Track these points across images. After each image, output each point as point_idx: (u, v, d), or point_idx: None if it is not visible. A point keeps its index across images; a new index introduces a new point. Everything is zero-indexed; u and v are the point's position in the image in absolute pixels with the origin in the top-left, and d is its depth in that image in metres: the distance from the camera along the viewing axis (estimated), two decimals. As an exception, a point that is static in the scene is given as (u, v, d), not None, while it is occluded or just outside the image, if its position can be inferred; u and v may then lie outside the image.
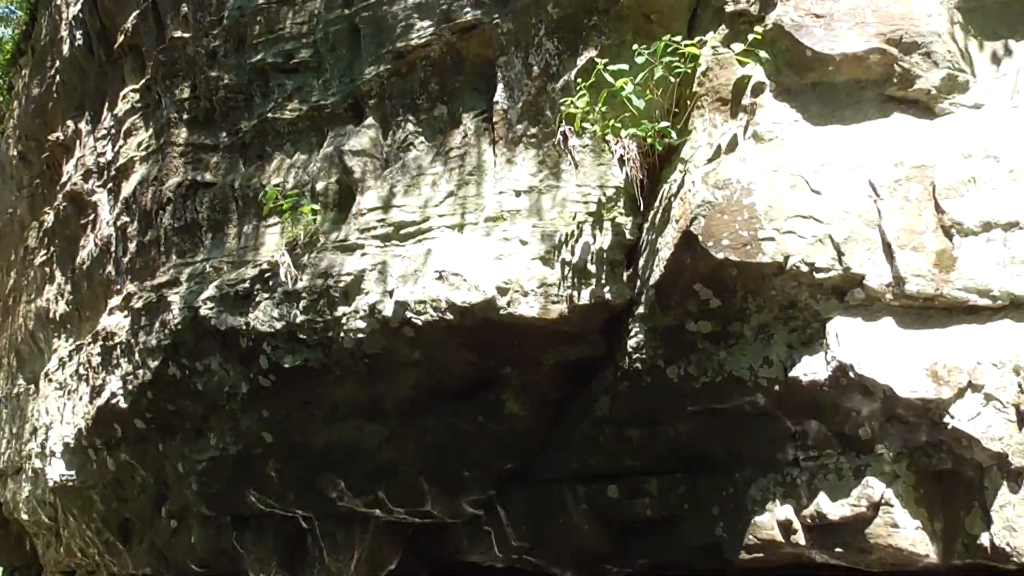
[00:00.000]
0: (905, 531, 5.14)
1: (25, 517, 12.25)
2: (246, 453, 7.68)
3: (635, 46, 5.77)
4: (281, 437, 7.44)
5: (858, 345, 5.22)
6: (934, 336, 5.16)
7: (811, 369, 5.38)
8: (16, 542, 14.51)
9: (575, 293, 6.10)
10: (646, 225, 6.04)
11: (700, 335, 5.76)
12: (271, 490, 7.66)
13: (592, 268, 6.08)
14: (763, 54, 5.55)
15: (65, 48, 11.16)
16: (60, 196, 11.23)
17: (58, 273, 11.38)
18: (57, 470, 10.34)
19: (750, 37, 5.55)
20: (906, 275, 5.18)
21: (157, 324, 8.25)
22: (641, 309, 5.95)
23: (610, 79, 5.74)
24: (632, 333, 6.01)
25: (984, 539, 4.95)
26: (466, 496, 6.92)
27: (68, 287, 10.97)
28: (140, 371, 8.50)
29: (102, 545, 10.26)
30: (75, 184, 10.73)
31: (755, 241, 5.39)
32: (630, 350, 6.02)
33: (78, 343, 10.34)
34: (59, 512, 10.91)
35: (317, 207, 7.28)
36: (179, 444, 8.41)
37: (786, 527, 5.55)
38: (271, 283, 7.27)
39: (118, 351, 8.98)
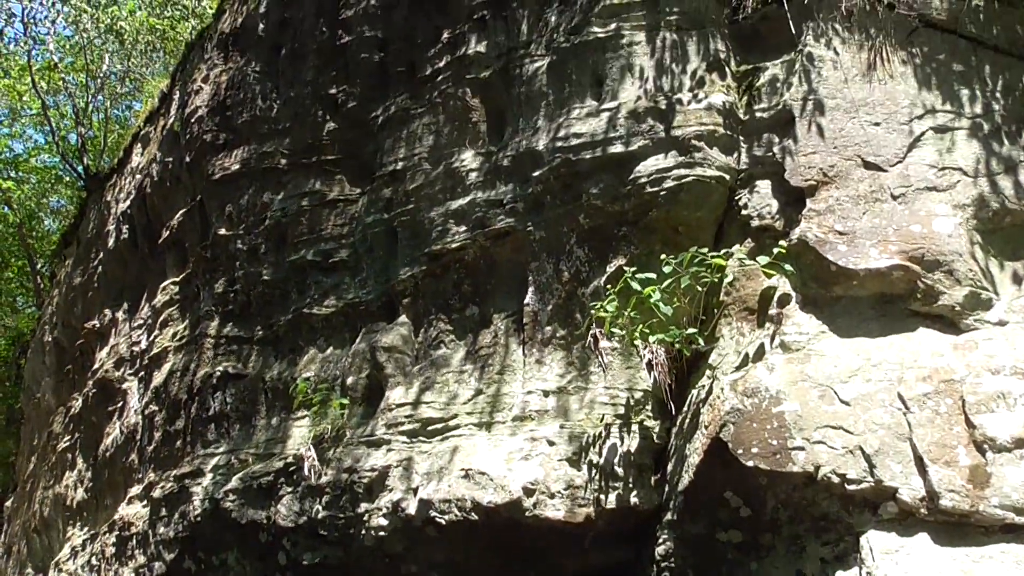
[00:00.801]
0: None
1: None
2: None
3: (663, 256, 5.99)
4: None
5: (894, 561, 5.10)
6: (972, 554, 5.04)
7: (845, 587, 5.25)
8: None
9: (602, 496, 6.05)
10: (674, 430, 6.06)
11: (731, 545, 5.65)
12: None
13: (620, 471, 6.06)
14: (788, 267, 5.75)
15: (111, 241, 11.67)
16: (90, 383, 11.41)
17: (80, 460, 11.39)
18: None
19: (775, 250, 5.77)
20: (940, 490, 5.13)
21: (177, 515, 8.18)
22: (670, 516, 5.87)
23: (638, 287, 5.93)
24: (660, 540, 5.90)
25: None
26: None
27: (88, 474, 10.94)
28: (155, 564, 8.36)
29: None
30: (106, 371, 10.92)
31: (785, 450, 5.39)
32: (659, 558, 5.89)
33: (93, 532, 10.21)
34: None
35: (346, 401, 7.37)
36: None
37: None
38: (295, 476, 7.26)
39: (134, 542, 8.87)
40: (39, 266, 19.37)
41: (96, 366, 11.46)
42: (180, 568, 8.02)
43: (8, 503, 14.89)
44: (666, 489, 6.00)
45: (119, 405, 10.59)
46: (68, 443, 11.90)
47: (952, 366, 5.48)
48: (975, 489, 5.11)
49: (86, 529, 10.56)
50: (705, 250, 5.96)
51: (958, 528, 5.14)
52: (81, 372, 12.19)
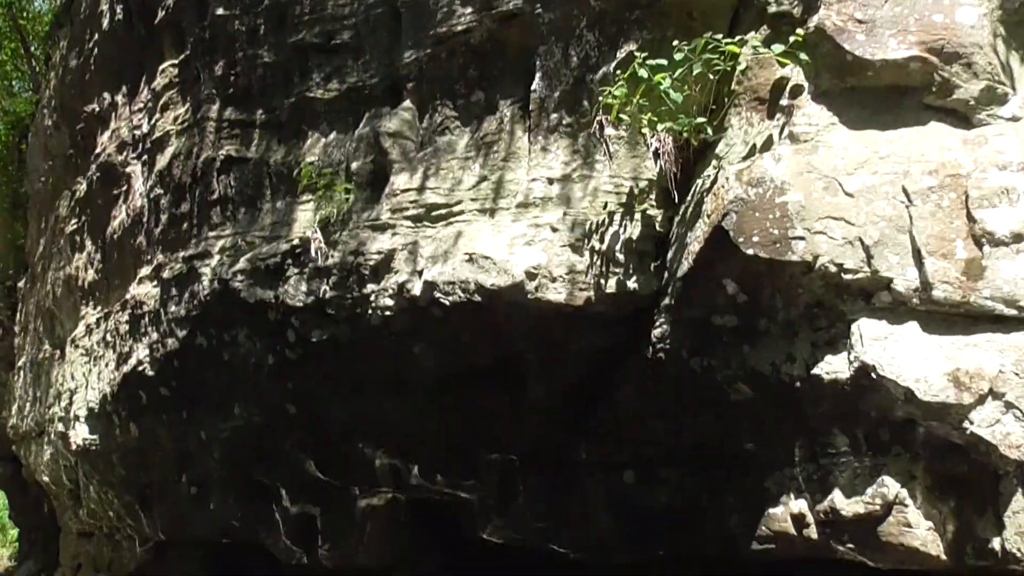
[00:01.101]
0: (917, 531, 5.22)
1: (46, 479, 12.46)
2: (269, 424, 7.83)
3: (675, 42, 5.84)
4: (305, 409, 7.58)
5: (882, 347, 5.30)
6: (958, 342, 5.23)
7: (834, 368, 5.46)
8: (34, 504, 14.75)
9: (603, 281, 6.19)
10: (677, 219, 6.12)
11: (725, 329, 5.85)
12: (292, 461, 7.80)
13: (621, 257, 6.17)
14: (803, 56, 5.61)
15: (104, 22, 11.30)
16: (93, 167, 11.39)
17: (88, 242, 11.55)
18: (80, 434, 10.53)
19: (791, 39, 5.61)
20: (934, 281, 5.24)
21: (187, 295, 8.40)
22: (667, 300, 6.04)
23: (647, 74, 5.81)
24: (657, 324, 6.10)
25: (995, 543, 5.03)
26: (486, 475, 7.04)
27: (98, 256, 11.13)
28: (168, 340, 8.66)
29: (122, 509, 10.44)
30: (109, 155, 10.88)
31: (785, 240, 5.47)
32: (654, 340, 6.11)
33: (106, 311, 10.52)
34: (80, 475, 11.10)
35: (351, 186, 7.40)
36: (203, 413, 8.57)
37: (800, 520, 5.64)
38: (302, 259, 7.40)
39: (146, 320, 9.15)
40: (33, 48, 18.85)
41: (99, 150, 11.40)
42: (192, 344, 8.32)
43: (21, 283, 15.24)
44: (665, 275, 6.13)
45: (124, 189, 10.62)
46: (75, 226, 12.03)
47: (959, 160, 5.46)
48: (968, 281, 5.22)
49: (99, 308, 10.87)
50: (719, 37, 5.81)
51: (947, 319, 5.30)
52: (84, 156, 12.15)
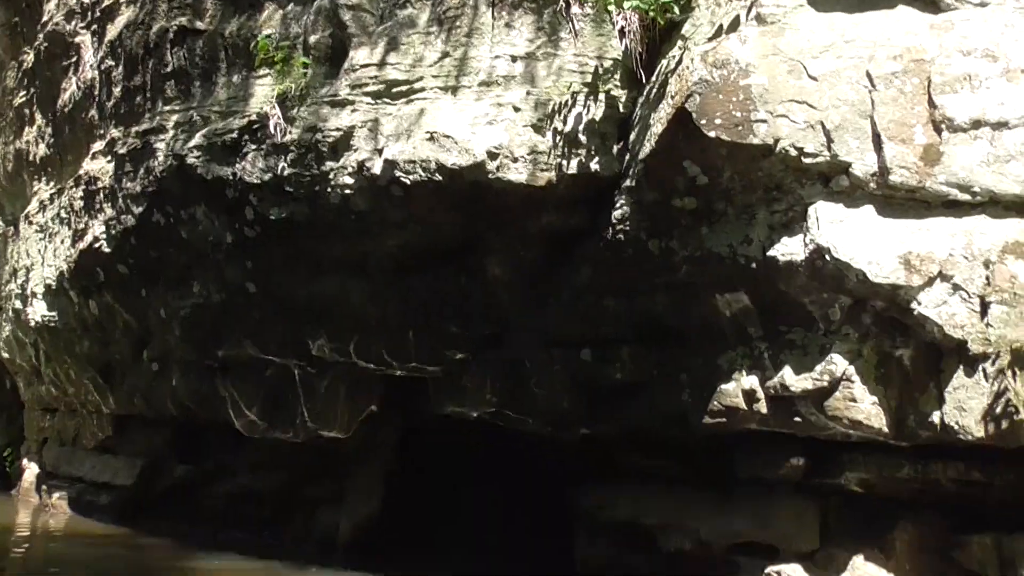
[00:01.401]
0: (862, 405, 5.44)
1: (6, 356, 12.41)
2: (229, 302, 7.82)
3: (644, -85, 5.68)
4: (264, 288, 7.57)
5: (837, 229, 5.39)
6: (911, 226, 5.34)
7: (789, 250, 5.56)
8: (-6, 380, 14.73)
9: (564, 162, 6.18)
10: (641, 100, 6.08)
11: (684, 211, 5.90)
12: (253, 339, 7.84)
13: (583, 139, 6.15)
14: (772, -68, 5.50)
15: None
16: (41, 36, 10.94)
17: (38, 115, 11.18)
18: (39, 311, 10.45)
19: (761, -87, 5.48)
20: (892, 166, 5.31)
21: (142, 171, 8.23)
22: (628, 182, 6.05)
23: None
24: (618, 205, 6.13)
25: (935, 417, 5.26)
26: (445, 354, 7.14)
27: (49, 130, 10.81)
28: (124, 217, 8.53)
29: (83, 385, 10.47)
30: (57, 24, 10.44)
31: (747, 122, 5.48)
32: (614, 222, 6.15)
33: (60, 187, 10.29)
34: (40, 352, 11.07)
35: (309, 60, 7.21)
36: (162, 290, 8.53)
37: (750, 396, 5.84)
38: (259, 135, 7.26)
39: (101, 196, 8.98)
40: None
41: (46, 19, 10.93)
42: (149, 221, 8.20)
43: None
44: (627, 157, 6.13)
45: (74, 60, 10.23)
46: (24, 98, 11.62)
47: (924, 45, 5.46)
48: (925, 167, 5.30)
49: (52, 184, 10.63)
50: (689, -89, 5.66)
51: (903, 203, 5.40)
52: (30, 24, 11.63)
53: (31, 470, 12.24)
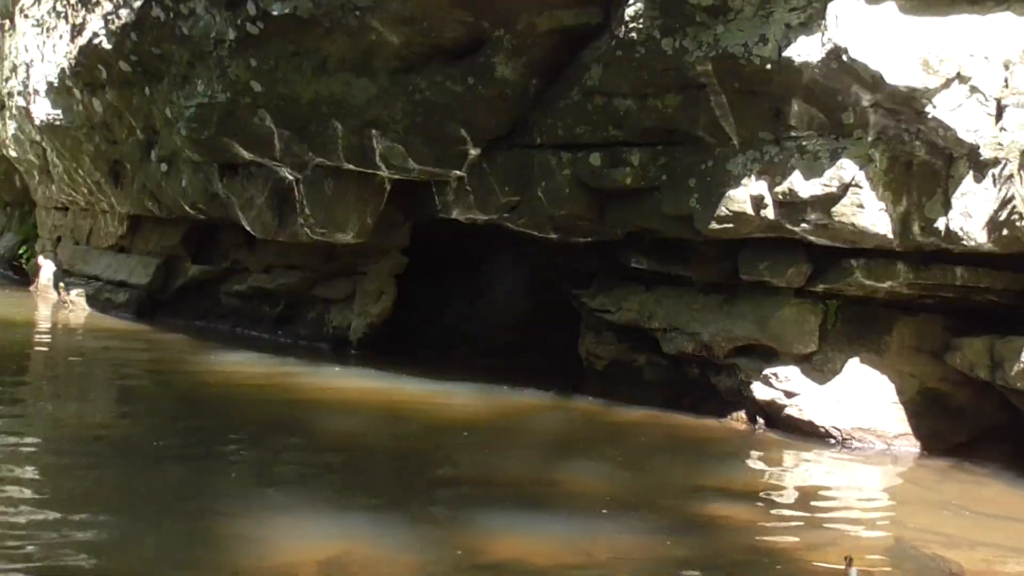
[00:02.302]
0: (869, 211, 5.43)
1: (13, 154, 12.39)
2: (234, 101, 7.69)
3: None
4: (269, 87, 7.43)
5: (856, 29, 5.20)
6: (932, 24, 5.14)
7: (805, 50, 5.39)
8: (5, 178, 14.78)
9: (577, -46, 5.90)
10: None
11: (700, 7, 5.67)
12: (259, 139, 7.77)
13: (597, -72, 5.83)
14: None
15: None
16: None
17: (25, -101, 10.64)
18: (43, 109, 10.33)
19: None
20: (917, -42, 5.06)
21: (138, -39, 7.91)
22: (644, -24, 5.80)
23: None
24: (631, 2, 5.89)
25: (940, 223, 5.26)
26: (452, 155, 7.08)
27: (38, -85, 10.31)
28: (122, 11, 8.27)
29: (93, 184, 10.50)
30: None
31: (771, -90, 5.17)
32: (627, 19, 5.94)
33: (53, -23, 9.92)
34: (47, 151, 11.03)
35: None
36: (166, 89, 8.39)
37: (758, 201, 5.83)
38: (259, -77, 6.91)
39: (97, -13, 8.67)
40: None
41: None
42: (148, 16, 7.95)
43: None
44: (643, -51, 5.83)
45: None
46: None
47: None
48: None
49: (46, -26, 10.25)
50: None
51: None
52: None
53: (48, 267, 12.48)
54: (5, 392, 6.39)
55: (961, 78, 5.00)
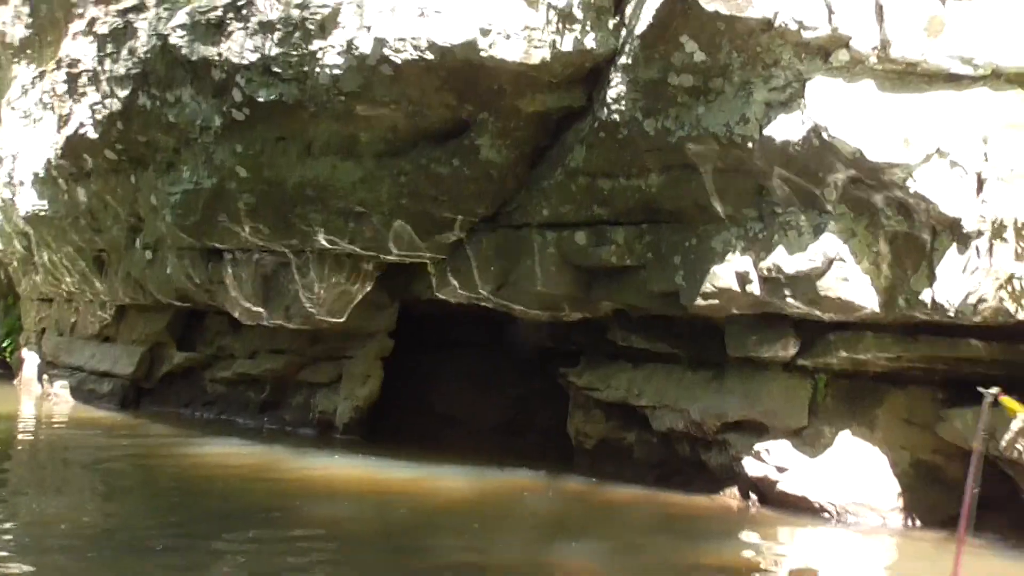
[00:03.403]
0: (854, 284, 5.46)
1: (-1, 246, 12.37)
2: (220, 187, 7.72)
3: None
4: (255, 172, 7.47)
5: (835, 106, 5.31)
6: (910, 101, 5.25)
7: (786, 128, 5.48)
8: (-11, 270, 14.70)
9: (558, 39, 6.02)
10: (637, -28, 5.88)
11: (681, 89, 5.78)
12: (245, 224, 7.78)
13: (578, 14, 5.97)
14: None
15: None
16: (12, -91, 10.50)
17: (14, -6, 10.82)
18: (28, 200, 10.33)
19: None
20: (893, 39, 5.20)
21: (125, 52, 8.02)
22: (624, 59, 5.92)
23: None
24: (613, 84, 6.01)
25: (926, 295, 5.29)
26: (437, 238, 7.11)
27: (26, 9, 10.47)
28: (108, 100, 8.35)
29: (78, 274, 10.45)
30: None
31: (747, -6, 5.32)
32: (609, 101, 6.04)
33: (40, 70, 10.04)
34: (33, 242, 11.00)
35: (292, -66, 6.93)
36: (152, 176, 8.42)
37: (743, 277, 5.85)
38: (244, 12, 7.03)
39: (84, 79, 8.77)
40: None
41: None
42: (135, 104, 8.02)
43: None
44: (623, 34, 5.97)
45: (47, -64, 9.85)
46: (-2, -22, 11.23)
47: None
48: (928, 38, 5.18)
49: (32, 67, 10.37)
50: None
51: (903, 77, 5.31)
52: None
53: (31, 360, 12.35)
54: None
55: (940, 153, 5.08)
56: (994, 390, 3.44)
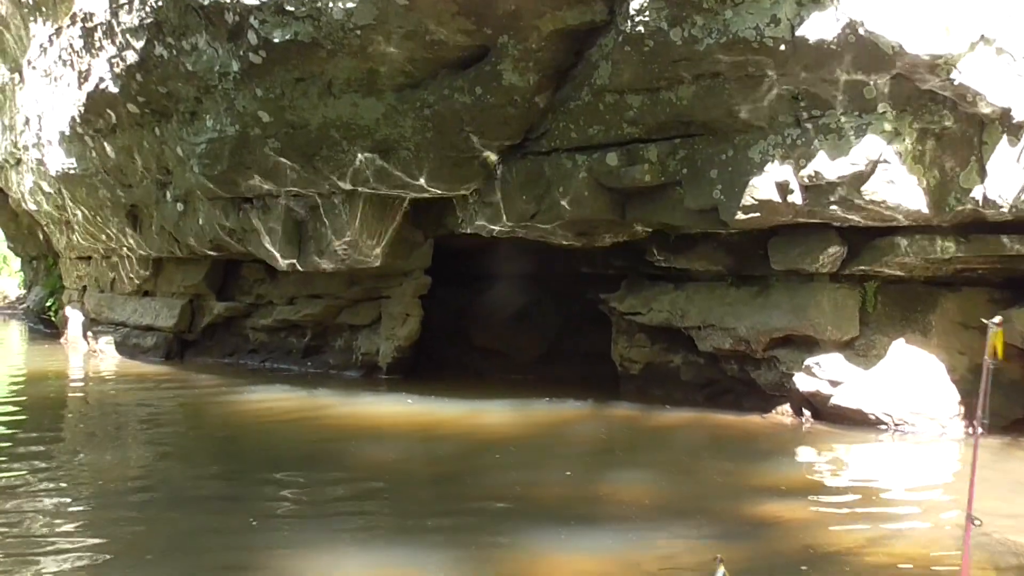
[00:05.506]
0: (900, 186, 5.23)
1: (32, 207, 12.43)
2: (244, 133, 7.62)
3: None
4: (278, 116, 7.34)
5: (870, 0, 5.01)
6: (953, -13, 4.94)
7: (819, 27, 5.20)
8: (29, 232, 14.87)
9: (577, -50, 5.76)
10: None
11: (707, -12, 5.51)
12: (272, 170, 7.69)
13: (596, -78, 5.69)
14: None
15: None
16: None
17: (24, -48, 10.68)
18: (57, 159, 10.34)
19: None
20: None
21: (137, 2, 7.87)
22: (647, -33, 5.64)
23: None
24: (636, -6, 5.74)
25: (977, 192, 5.05)
26: (465, 170, 6.95)
27: (38, -34, 10.34)
28: (126, 53, 8.23)
29: (113, 231, 10.48)
30: None
31: None
32: (632, 12, 5.78)
33: (56, 26, 9.93)
34: (66, 201, 11.04)
35: None
36: (176, 127, 8.33)
37: (783, 187, 5.64)
38: (253, -48, 6.83)
39: (99, 33, 8.64)
40: None
41: None
42: (152, 55, 7.90)
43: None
44: (643, -61, 5.68)
45: None
46: (7, -63, 11.08)
47: None
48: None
49: (48, 24, 10.27)
50: None
51: (943, -37, 4.98)
52: None
53: (75, 317, 12.51)
54: (43, 446, 6.31)
55: (985, 39, 4.80)
56: None
